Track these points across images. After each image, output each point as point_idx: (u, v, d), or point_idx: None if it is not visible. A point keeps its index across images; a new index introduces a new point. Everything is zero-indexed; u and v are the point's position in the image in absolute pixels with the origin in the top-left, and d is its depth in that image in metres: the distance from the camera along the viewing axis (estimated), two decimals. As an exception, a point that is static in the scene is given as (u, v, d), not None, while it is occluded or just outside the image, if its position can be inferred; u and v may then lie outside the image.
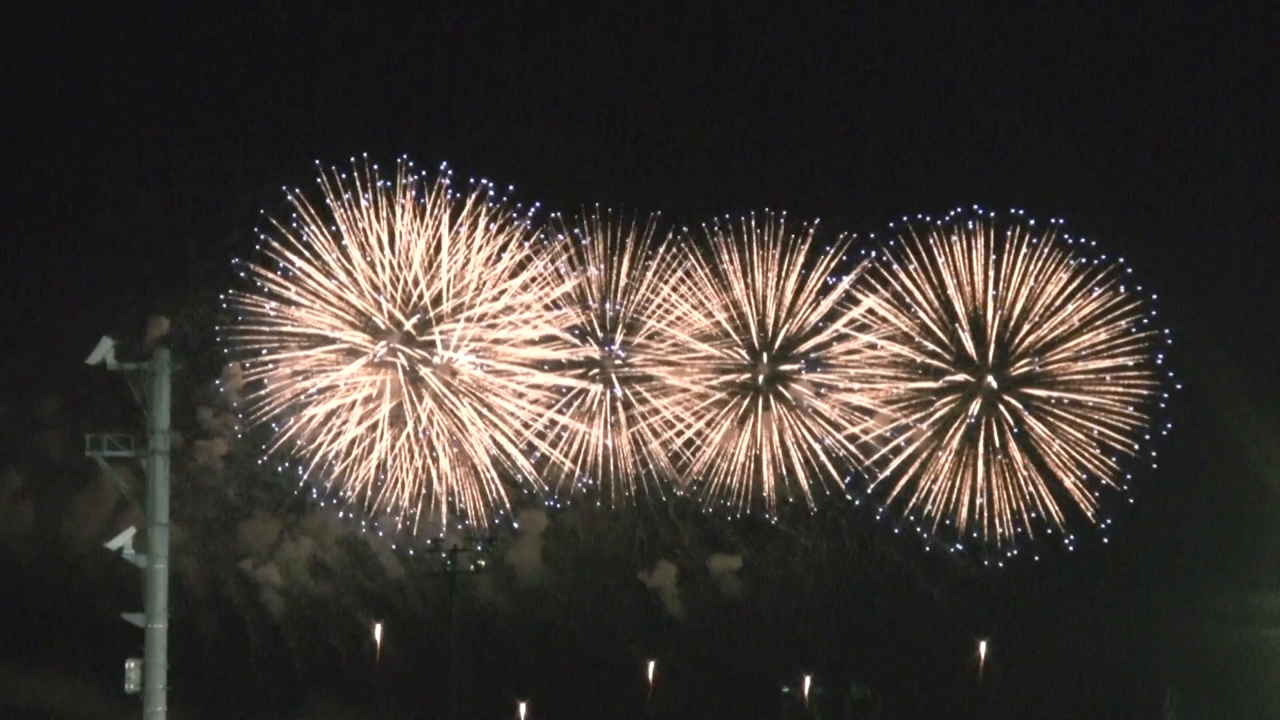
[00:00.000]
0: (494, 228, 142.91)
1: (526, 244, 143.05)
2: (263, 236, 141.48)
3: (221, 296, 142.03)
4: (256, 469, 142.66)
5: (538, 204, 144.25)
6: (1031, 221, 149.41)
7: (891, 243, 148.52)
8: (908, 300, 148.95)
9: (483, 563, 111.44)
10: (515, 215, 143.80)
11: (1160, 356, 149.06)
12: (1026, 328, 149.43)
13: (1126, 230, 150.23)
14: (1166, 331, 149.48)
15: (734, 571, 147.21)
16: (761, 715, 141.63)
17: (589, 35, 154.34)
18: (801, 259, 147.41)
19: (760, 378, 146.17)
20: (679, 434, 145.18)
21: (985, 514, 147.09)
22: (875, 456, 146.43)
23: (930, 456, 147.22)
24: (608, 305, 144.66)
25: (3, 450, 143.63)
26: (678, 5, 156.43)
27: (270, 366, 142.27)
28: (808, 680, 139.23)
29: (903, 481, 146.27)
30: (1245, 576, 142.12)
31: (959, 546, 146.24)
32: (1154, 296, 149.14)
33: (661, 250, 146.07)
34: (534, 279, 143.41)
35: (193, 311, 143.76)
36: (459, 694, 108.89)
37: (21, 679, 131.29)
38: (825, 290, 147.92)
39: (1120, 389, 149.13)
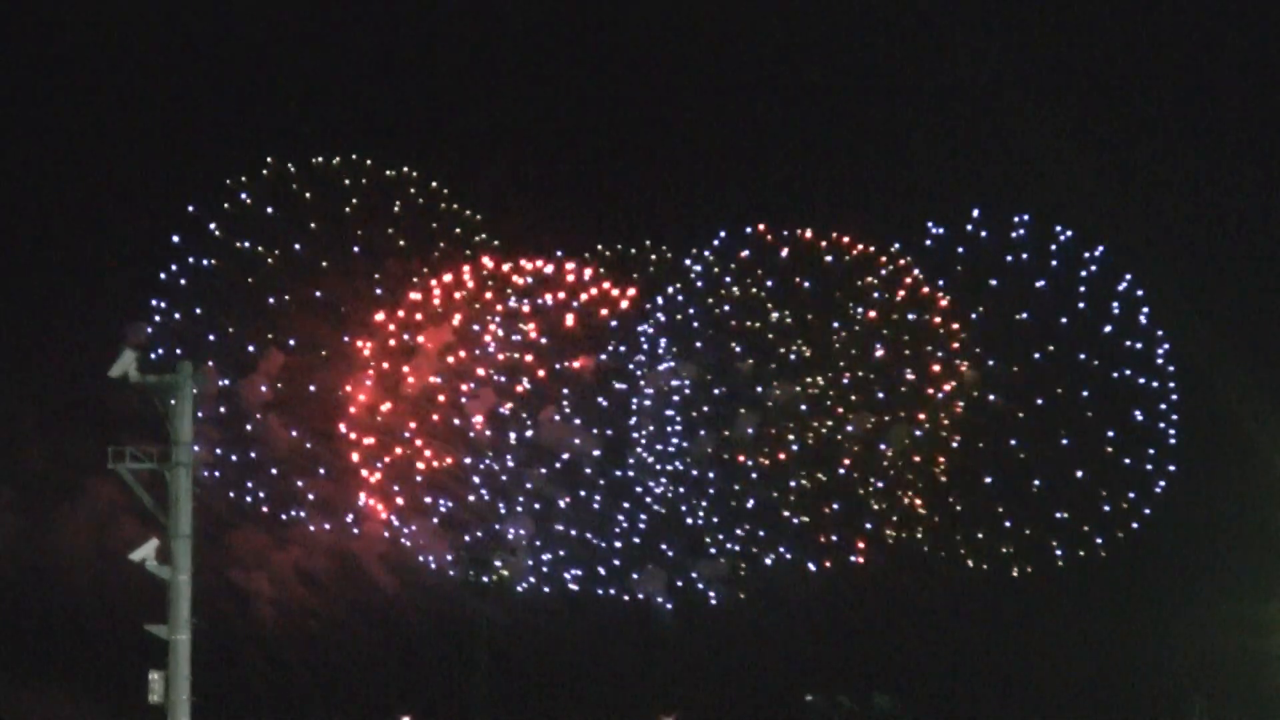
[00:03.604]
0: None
1: None
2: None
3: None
4: (240, 480, 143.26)
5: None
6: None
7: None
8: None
9: (506, 573, 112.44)
10: None
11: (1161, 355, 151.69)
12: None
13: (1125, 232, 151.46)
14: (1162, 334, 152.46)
15: (728, 578, 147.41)
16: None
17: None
18: None
19: None
20: None
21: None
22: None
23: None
24: None
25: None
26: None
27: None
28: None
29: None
30: (1273, 585, 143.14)
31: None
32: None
33: None
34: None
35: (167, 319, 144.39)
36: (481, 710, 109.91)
37: (23, 694, 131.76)
38: None
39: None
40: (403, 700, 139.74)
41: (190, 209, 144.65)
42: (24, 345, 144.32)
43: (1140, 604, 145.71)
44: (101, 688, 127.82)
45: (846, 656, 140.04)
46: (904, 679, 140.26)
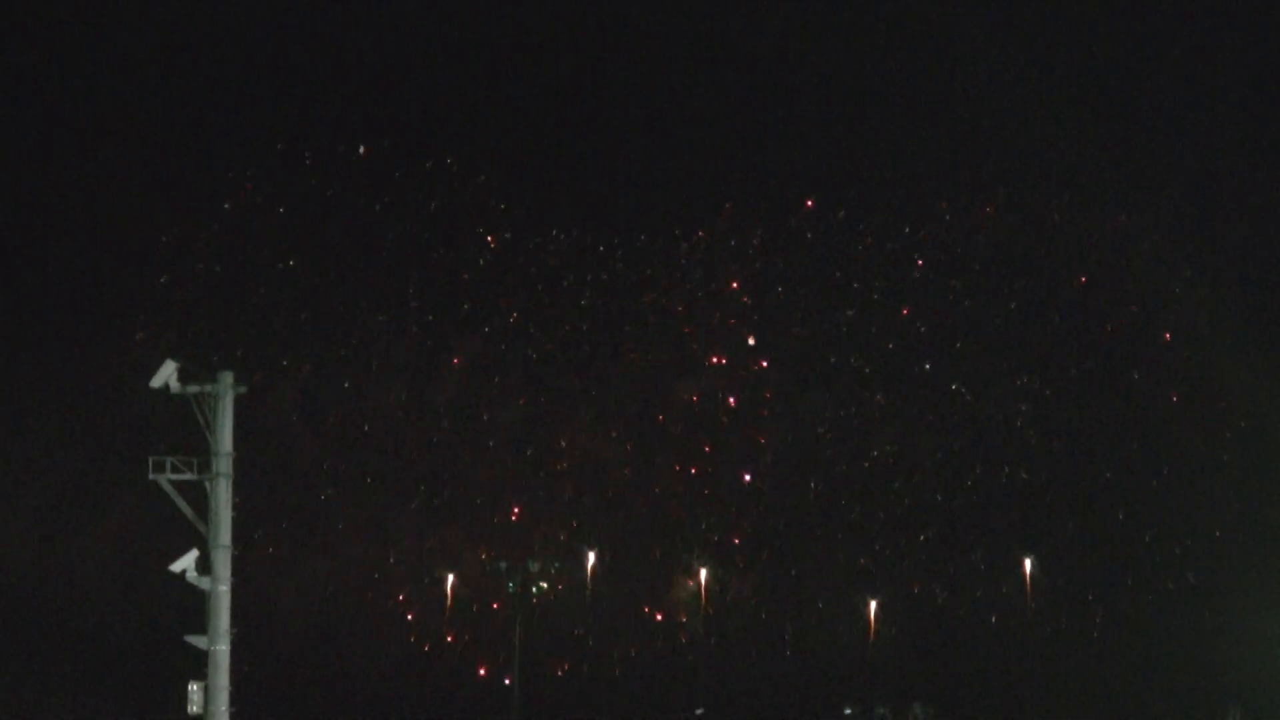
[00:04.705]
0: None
1: None
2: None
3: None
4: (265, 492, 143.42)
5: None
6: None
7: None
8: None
9: (544, 585, 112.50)
10: None
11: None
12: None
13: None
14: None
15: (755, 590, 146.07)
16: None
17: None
18: None
19: None
20: None
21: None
22: None
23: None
24: None
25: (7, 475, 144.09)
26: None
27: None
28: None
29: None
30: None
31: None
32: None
33: None
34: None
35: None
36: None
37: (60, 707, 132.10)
38: None
39: None
40: (434, 710, 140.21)
41: (190, 209, 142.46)
42: (40, 355, 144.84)
43: (1177, 620, 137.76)
44: (137, 698, 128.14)
45: (884, 667, 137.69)
46: (943, 690, 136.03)
